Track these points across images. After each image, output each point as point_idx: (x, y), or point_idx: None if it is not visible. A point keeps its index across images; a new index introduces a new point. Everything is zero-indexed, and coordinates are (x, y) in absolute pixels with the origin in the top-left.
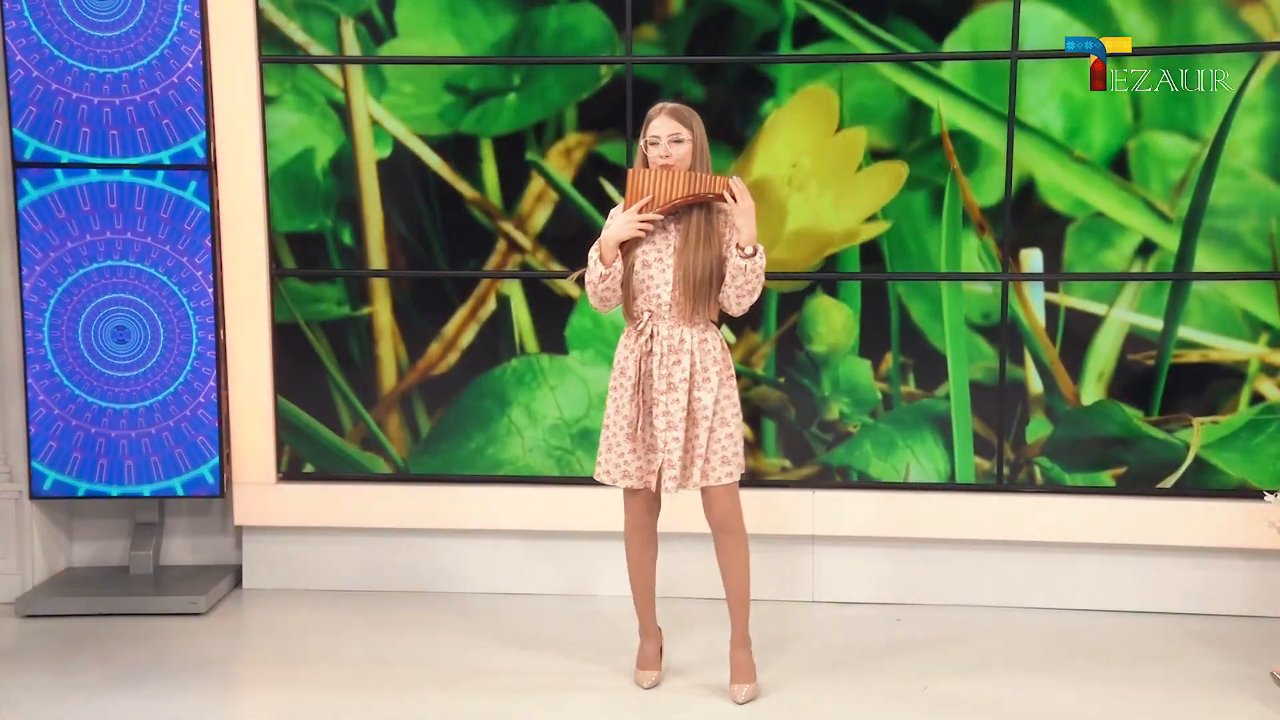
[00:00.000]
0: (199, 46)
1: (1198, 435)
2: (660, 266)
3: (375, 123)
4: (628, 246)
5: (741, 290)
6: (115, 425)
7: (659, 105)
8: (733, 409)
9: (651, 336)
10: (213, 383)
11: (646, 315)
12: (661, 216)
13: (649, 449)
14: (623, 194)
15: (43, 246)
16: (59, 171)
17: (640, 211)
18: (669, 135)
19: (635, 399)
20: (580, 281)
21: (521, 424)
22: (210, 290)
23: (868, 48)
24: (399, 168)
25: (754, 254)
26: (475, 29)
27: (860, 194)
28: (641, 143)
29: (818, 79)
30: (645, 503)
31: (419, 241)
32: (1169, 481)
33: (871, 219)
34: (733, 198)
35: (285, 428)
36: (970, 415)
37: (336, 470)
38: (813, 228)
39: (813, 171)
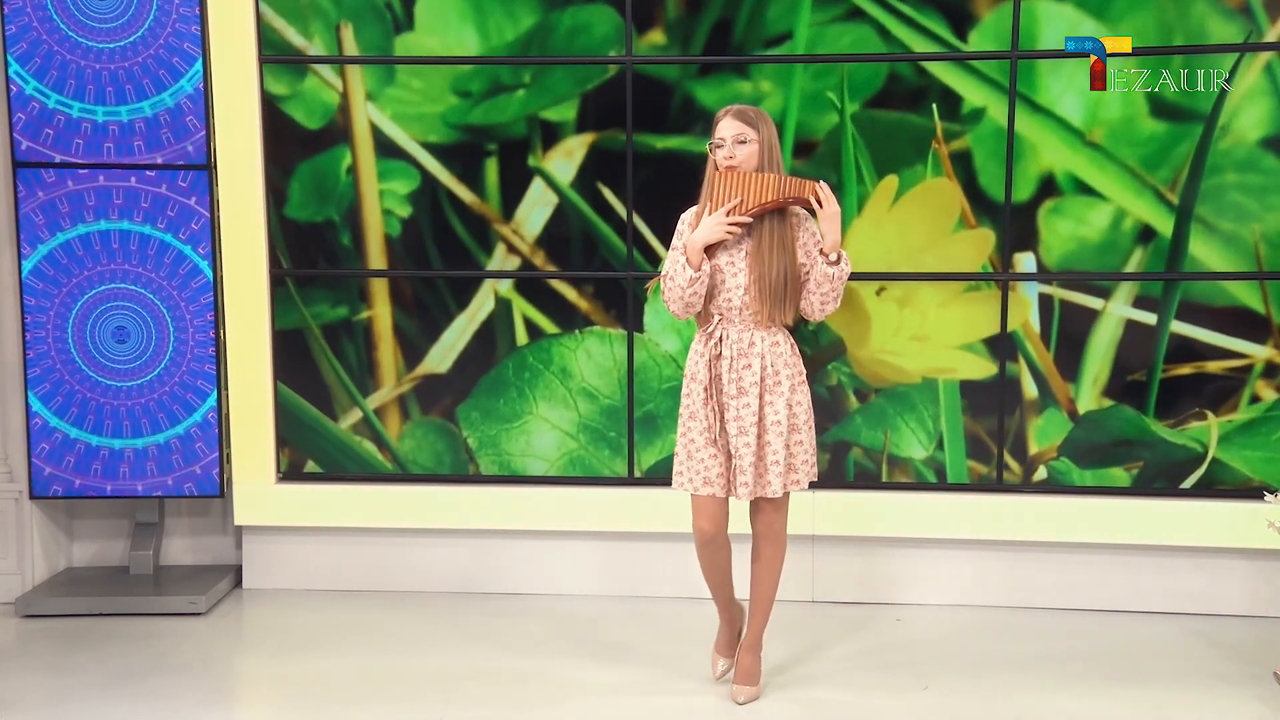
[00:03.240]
0: (202, 52)
1: (1214, 431)
2: (732, 270)
3: (375, 128)
4: (712, 251)
5: (826, 298)
6: (116, 397)
7: (726, 108)
8: (805, 414)
9: (721, 340)
10: (189, 366)
11: (716, 318)
12: (751, 220)
13: (728, 455)
14: (621, 198)
15: (43, 309)
16: (51, 241)
17: (728, 214)
18: (733, 137)
19: (709, 403)
20: (648, 289)
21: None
22: (189, 310)
23: (891, 24)
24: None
25: (839, 261)
26: (498, 27)
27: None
28: (710, 145)
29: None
30: (713, 511)
31: (418, 249)
32: (1189, 482)
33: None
34: (819, 203)
35: (293, 419)
36: (961, 415)
37: (341, 466)
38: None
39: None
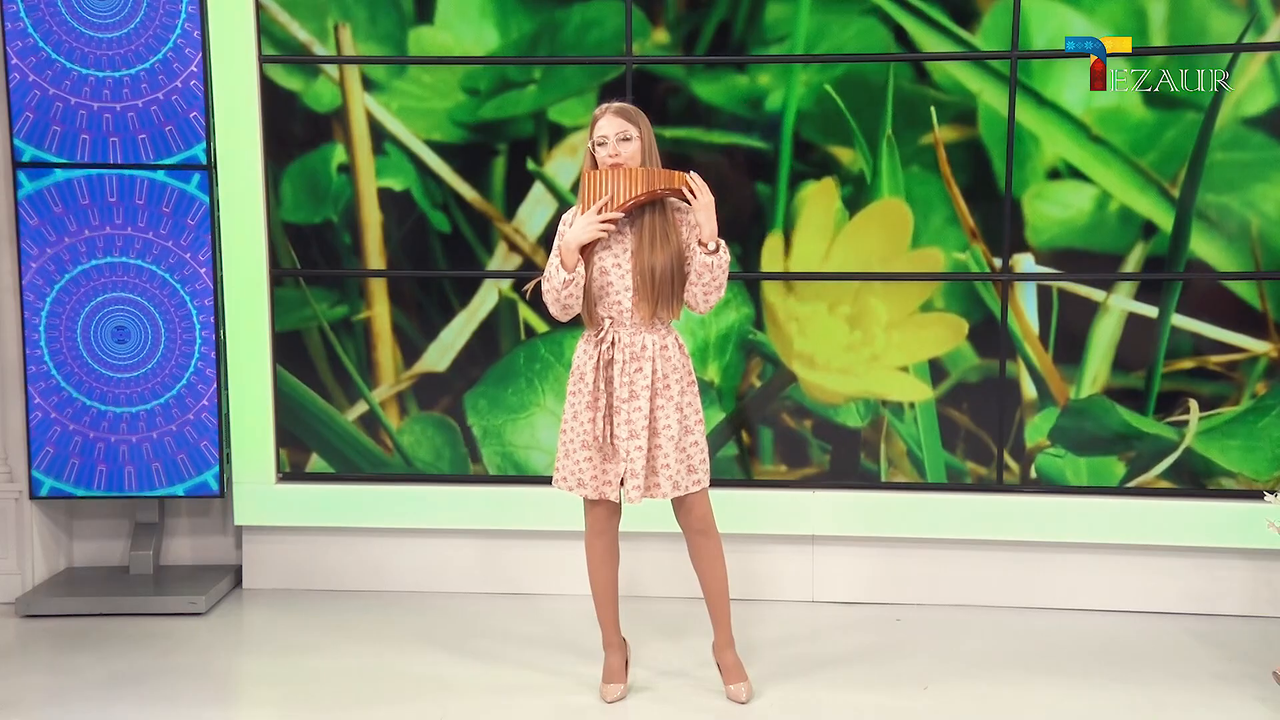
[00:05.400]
0: (202, 52)
1: (1193, 423)
2: (619, 272)
3: (376, 122)
4: (589, 251)
5: (708, 288)
6: (115, 429)
7: (604, 105)
8: (696, 416)
9: (613, 344)
10: (216, 385)
11: (608, 322)
12: (622, 215)
13: (606, 458)
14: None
15: (39, 242)
16: (49, 237)
17: (599, 212)
18: (616, 134)
19: (594, 406)
20: (534, 293)
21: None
22: (214, 288)
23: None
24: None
25: (717, 250)
26: (517, 23)
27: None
28: (589, 144)
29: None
30: (606, 511)
31: (418, 247)
32: (1159, 468)
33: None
34: (691, 193)
35: (294, 417)
36: (935, 413)
37: (346, 460)
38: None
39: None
